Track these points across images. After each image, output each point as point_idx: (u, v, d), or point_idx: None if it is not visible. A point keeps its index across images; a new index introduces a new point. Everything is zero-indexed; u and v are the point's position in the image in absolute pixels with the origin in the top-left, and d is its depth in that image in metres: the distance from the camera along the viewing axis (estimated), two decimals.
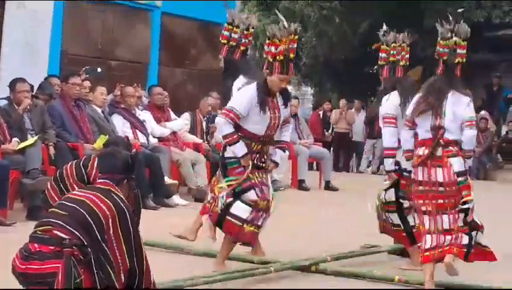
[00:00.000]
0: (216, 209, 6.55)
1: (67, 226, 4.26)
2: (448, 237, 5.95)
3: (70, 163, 5.94)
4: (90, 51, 13.84)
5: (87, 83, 10.56)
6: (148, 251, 4.62)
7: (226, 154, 6.35)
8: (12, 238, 6.37)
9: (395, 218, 6.91)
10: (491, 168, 17.60)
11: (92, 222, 4.27)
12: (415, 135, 6.21)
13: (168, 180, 10.28)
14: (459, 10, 6.44)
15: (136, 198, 5.20)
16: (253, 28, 7.44)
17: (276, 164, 6.59)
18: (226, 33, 7.27)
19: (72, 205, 4.36)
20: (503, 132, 19.87)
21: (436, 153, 6.00)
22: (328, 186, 13.29)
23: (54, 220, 4.31)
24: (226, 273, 6.08)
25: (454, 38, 6.12)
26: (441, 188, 5.96)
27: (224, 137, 6.29)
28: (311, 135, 14.16)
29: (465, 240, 6.00)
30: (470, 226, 6.04)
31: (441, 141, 5.99)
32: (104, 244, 4.27)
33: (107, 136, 8.22)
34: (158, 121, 11.22)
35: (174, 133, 11.32)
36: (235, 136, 6.25)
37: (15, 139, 8.59)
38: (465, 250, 5.99)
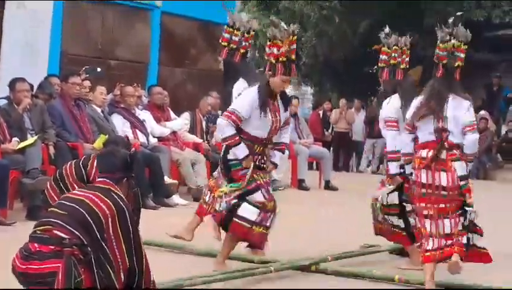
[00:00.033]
0: (215, 210, 6.58)
1: (67, 226, 4.26)
2: (450, 241, 5.96)
3: (69, 163, 5.94)
4: (90, 51, 13.84)
5: (87, 83, 10.56)
6: (148, 251, 4.62)
7: (229, 156, 6.35)
8: (12, 238, 6.37)
9: (395, 220, 6.92)
10: (491, 167, 17.60)
11: (91, 221, 4.27)
12: (415, 139, 6.21)
13: (167, 180, 10.28)
14: (458, 13, 6.43)
15: (136, 197, 5.20)
16: (253, 31, 7.44)
17: (275, 166, 6.61)
18: (226, 35, 7.26)
19: (72, 204, 4.36)
20: (503, 132, 19.87)
21: (441, 155, 5.99)
22: (328, 186, 13.30)
23: (53, 220, 4.31)
24: (226, 272, 6.08)
25: (453, 41, 6.12)
26: (443, 192, 5.95)
27: (226, 139, 6.29)
28: (311, 134, 14.16)
29: (464, 240, 6.02)
30: (469, 228, 6.05)
31: (445, 143, 5.99)
32: (103, 244, 4.28)
33: (106, 136, 8.22)
34: (158, 121, 11.22)
35: (174, 132, 11.33)
36: (237, 138, 6.25)
37: (15, 139, 8.59)
38: (464, 249, 6.01)
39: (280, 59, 6.30)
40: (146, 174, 9.87)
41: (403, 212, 6.88)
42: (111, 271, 4.27)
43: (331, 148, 17.20)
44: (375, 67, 7.31)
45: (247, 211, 6.28)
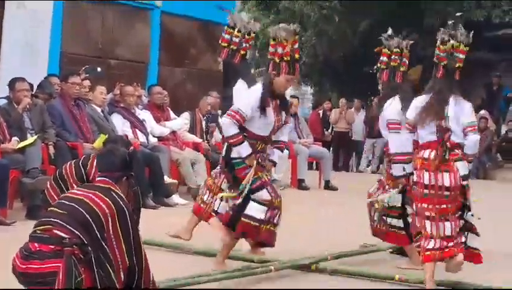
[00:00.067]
0: (213, 210, 6.65)
1: (67, 225, 4.26)
2: (450, 243, 5.97)
3: (69, 162, 5.94)
4: (90, 51, 13.84)
5: (86, 83, 10.56)
6: (147, 250, 4.62)
7: (232, 155, 6.35)
8: (12, 238, 6.37)
9: (394, 221, 6.93)
10: (491, 167, 17.60)
11: (91, 221, 4.27)
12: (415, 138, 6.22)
13: (167, 179, 10.28)
14: (458, 14, 6.43)
15: (136, 196, 5.20)
16: (254, 33, 7.44)
17: (274, 164, 6.63)
18: (227, 36, 7.25)
19: (71, 204, 4.36)
20: (503, 131, 19.88)
21: (443, 156, 5.99)
22: (328, 186, 13.30)
23: (53, 220, 4.31)
24: (226, 272, 6.08)
25: (452, 42, 6.13)
26: (446, 193, 5.95)
27: (230, 138, 6.29)
28: (310, 134, 14.15)
29: (461, 239, 6.03)
30: (465, 227, 6.06)
31: (447, 143, 5.99)
32: (103, 243, 4.27)
33: (106, 136, 8.23)
34: (158, 121, 11.22)
35: (173, 132, 11.33)
36: (240, 137, 6.27)
37: (15, 139, 8.59)
38: (464, 249, 6.02)
39: (284, 58, 6.32)
40: (146, 173, 9.88)
41: (404, 214, 6.89)
42: (111, 270, 4.27)
43: (331, 148, 17.21)
44: (375, 67, 7.29)
45: (254, 209, 6.29)
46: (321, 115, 17.99)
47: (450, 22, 6.21)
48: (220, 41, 7.29)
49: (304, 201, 11.38)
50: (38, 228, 4.34)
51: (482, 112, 17.56)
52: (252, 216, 6.28)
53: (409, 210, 6.80)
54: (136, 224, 4.62)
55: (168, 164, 10.61)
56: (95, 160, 5.34)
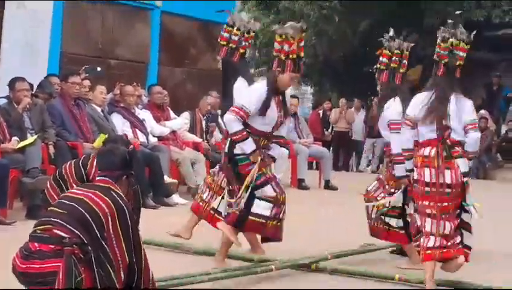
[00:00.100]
0: (213, 208, 6.71)
1: (67, 225, 4.25)
2: (449, 243, 5.97)
3: (69, 162, 5.94)
4: (90, 50, 13.84)
5: (86, 82, 10.56)
6: (147, 250, 4.62)
7: (235, 151, 6.36)
8: (12, 238, 6.37)
9: (394, 221, 6.93)
10: (491, 167, 17.60)
11: (91, 220, 4.27)
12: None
13: (167, 179, 10.28)
14: (457, 12, 6.44)
15: (136, 194, 5.20)
16: (253, 31, 7.44)
17: (274, 159, 6.63)
18: (225, 35, 7.25)
19: (71, 203, 4.35)
20: (503, 131, 19.88)
21: (444, 153, 6.00)
22: (328, 186, 13.30)
23: (53, 219, 4.31)
24: (227, 271, 6.09)
25: (451, 40, 6.12)
26: (447, 190, 5.95)
27: (234, 134, 6.29)
28: (310, 134, 14.16)
29: (457, 239, 6.04)
30: (461, 226, 6.07)
31: (447, 141, 6.00)
32: (103, 243, 4.27)
33: (106, 135, 8.22)
34: (158, 120, 11.22)
35: (173, 132, 11.33)
36: (244, 133, 6.27)
37: (15, 138, 8.59)
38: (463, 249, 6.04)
39: (290, 56, 6.33)
40: (146, 173, 9.88)
41: (404, 213, 6.90)
42: (111, 270, 4.27)
43: (331, 148, 17.21)
44: (375, 66, 7.29)
45: (260, 207, 6.30)
46: (321, 114, 18.00)
47: (449, 21, 6.21)
48: (218, 40, 7.29)
49: (304, 201, 11.37)
50: (38, 227, 4.33)
51: (482, 111, 17.55)
52: (258, 214, 6.30)
53: (408, 210, 6.81)
54: (136, 223, 4.62)
55: (168, 163, 10.61)
56: (95, 159, 5.34)
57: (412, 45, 7.28)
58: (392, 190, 6.95)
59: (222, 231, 6.46)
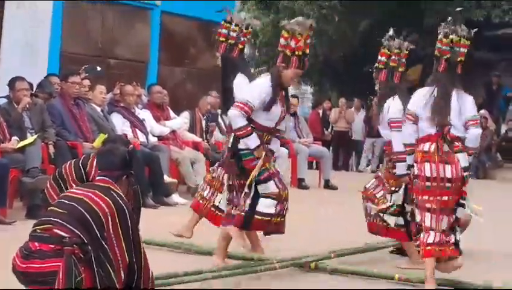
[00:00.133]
0: (214, 205, 6.77)
1: (67, 225, 4.25)
2: (447, 239, 5.98)
3: (69, 162, 5.93)
4: (90, 50, 13.85)
5: (86, 82, 10.56)
6: (148, 250, 4.62)
7: (240, 146, 6.36)
8: (12, 237, 6.37)
9: (393, 219, 6.93)
10: (491, 167, 17.61)
11: (91, 220, 4.27)
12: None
13: (167, 178, 10.28)
14: (458, 9, 6.44)
15: (136, 194, 5.20)
16: (251, 27, 7.44)
17: (272, 152, 6.64)
18: (224, 31, 7.25)
19: (71, 203, 4.35)
20: (503, 131, 19.90)
21: (444, 148, 6.01)
22: (328, 185, 13.31)
23: (53, 219, 4.31)
24: (227, 269, 6.10)
25: (452, 36, 6.13)
26: (448, 184, 5.96)
27: (238, 130, 6.29)
28: (310, 133, 14.17)
29: (452, 239, 6.05)
30: (456, 222, 6.10)
31: (447, 136, 6.01)
32: (103, 242, 4.27)
33: (106, 135, 8.22)
34: (157, 120, 11.22)
35: (173, 131, 11.33)
36: (249, 129, 6.28)
37: (14, 138, 8.59)
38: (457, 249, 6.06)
39: (296, 52, 6.33)
40: (146, 173, 9.88)
41: (404, 211, 6.90)
42: (111, 270, 4.27)
43: (331, 148, 17.21)
44: (375, 66, 7.27)
45: (264, 206, 6.33)
46: (321, 114, 18.01)
47: (449, 18, 6.21)
48: (217, 36, 7.28)
49: (304, 200, 11.37)
50: (38, 227, 4.33)
51: (482, 111, 17.54)
52: (263, 212, 6.33)
53: (408, 208, 6.80)
54: (136, 223, 4.61)
55: (168, 163, 10.61)
56: (95, 159, 5.34)
57: (412, 47, 7.28)
58: (393, 188, 6.95)
59: (221, 230, 6.48)
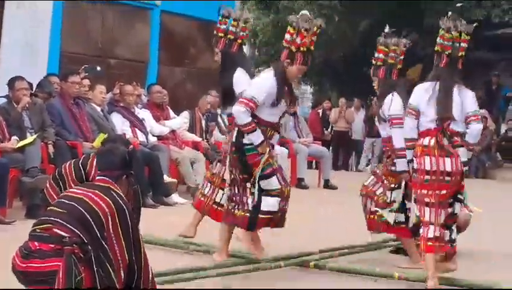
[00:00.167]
0: (215, 202, 6.80)
1: (67, 224, 4.25)
2: (446, 232, 6.00)
3: (69, 162, 5.92)
4: (90, 50, 13.84)
5: (86, 82, 10.56)
6: (147, 249, 4.62)
7: (244, 141, 6.36)
8: (11, 237, 6.36)
9: (392, 217, 6.93)
10: (491, 166, 17.61)
11: (91, 220, 4.27)
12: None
13: (167, 178, 10.28)
14: (458, 5, 6.45)
15: (136, 194, 5.19)
16: (248, 21, 7.43)
17: (272, 146, 6.65)
18: (222, 26, 7.25)
19: (71, 202, 4.35)
20: (503, 131, 19.91)
21: (443, 143, 6.02)
22: (327, 185, 13.31)
23: (53, 219, 4.31)
24: (228, 266, 6.11)
25: (453, 33, 6.14)
26: (447, 178, 5.97)
27: (243, 126, 6.30)
28: (310, 133, 14.17)
29: (446, 236, 6.06)
30: (453, 219, 6.11)
31: (447, 131, 6.02)
32: (103, 242, 4.27)
33: (106, 135, 8.22)
34: (157, 120, 11.22)
35: (173, 131, 11.33)
36: (253, 125, 6.30)
37: (14, 138, 8.58)
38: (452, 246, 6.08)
39: (301, 48, 6.35)
40: (145, 173, 9.88)
41: (404, 208, 6.90)
42: (111, 270, 4.27)
43: (331, 147, 17.22)
44: (373, 63, 7.25)
45: (268, 205, 6.36)
46: (321, 114, 18.00)
47: (450, 13, 6.22)
48: (215, 32, 7.28)
49: (304, 200, 11.37)
50: (38, 226, 4.33)
51: (481, 111, 17.50)
52: (268, 211, 6.36)
53: (408, 205, 6.79)
54: (136, 223, 4.61)
55: (168, 163, 10.61)
56: (95, 159, 5.34)
57: (410, 43, 7.27)
58: (392, 185, 6.95)
59: (221, 229, 6.49)
